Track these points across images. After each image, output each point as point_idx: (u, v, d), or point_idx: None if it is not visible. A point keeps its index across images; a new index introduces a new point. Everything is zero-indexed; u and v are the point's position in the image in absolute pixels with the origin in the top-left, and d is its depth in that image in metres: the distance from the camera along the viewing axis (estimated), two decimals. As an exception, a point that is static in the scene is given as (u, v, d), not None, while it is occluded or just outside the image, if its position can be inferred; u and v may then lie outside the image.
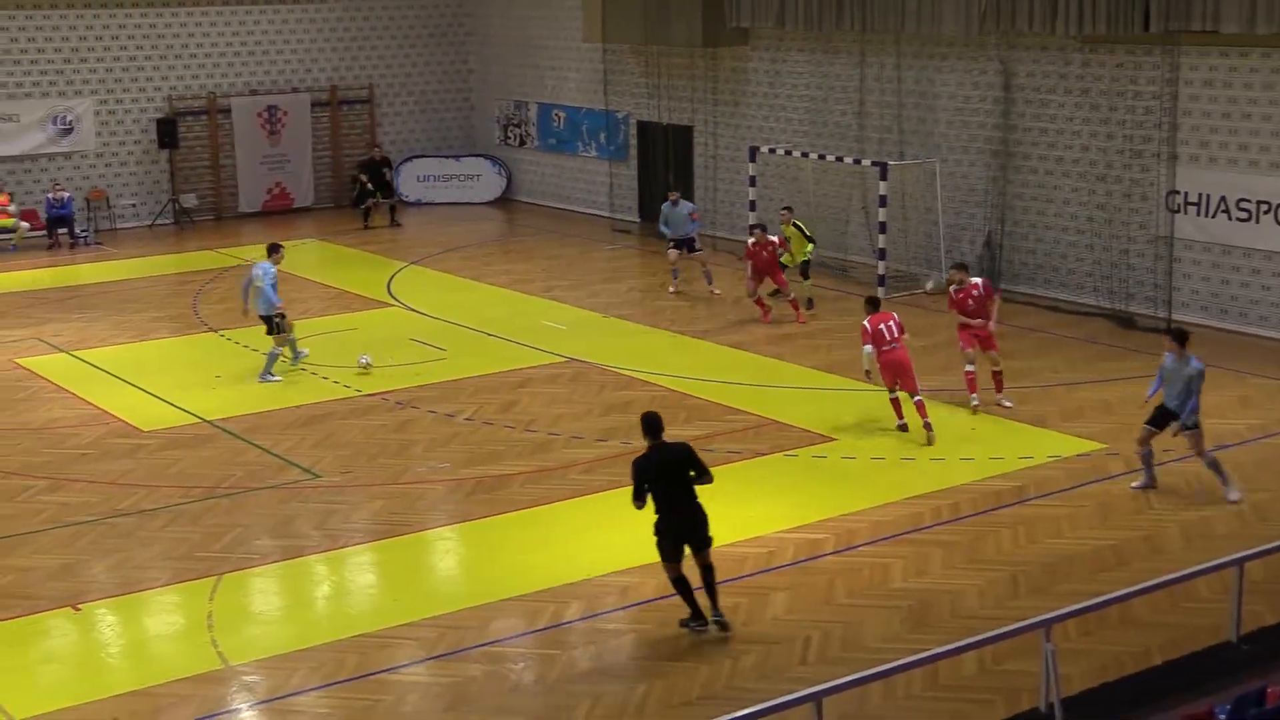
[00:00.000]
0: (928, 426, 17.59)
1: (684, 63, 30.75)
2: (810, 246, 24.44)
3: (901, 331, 17.91)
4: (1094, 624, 12.41)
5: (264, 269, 20.65)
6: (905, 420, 17.96)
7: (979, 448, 17.35)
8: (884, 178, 24.98)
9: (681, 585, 12.66)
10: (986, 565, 14.05)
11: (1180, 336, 15.51)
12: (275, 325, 20.63)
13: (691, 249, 25.70)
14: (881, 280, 24.85)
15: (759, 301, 23.62)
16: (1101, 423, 18.15)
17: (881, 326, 17.91)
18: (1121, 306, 23.38)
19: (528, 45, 35.10)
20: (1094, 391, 19.50)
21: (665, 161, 31.38)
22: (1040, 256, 24.87)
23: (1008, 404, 18.79)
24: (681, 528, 12.54)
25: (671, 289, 25.74)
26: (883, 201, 25.10)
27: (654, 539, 12.61)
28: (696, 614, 12.70)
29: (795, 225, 24.68)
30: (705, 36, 29.23)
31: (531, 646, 12.60)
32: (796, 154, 27.40)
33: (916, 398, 17.72)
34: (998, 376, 18.87)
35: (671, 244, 25.70)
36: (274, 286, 20.45)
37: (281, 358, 20.84)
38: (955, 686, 11.66)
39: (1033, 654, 10.91)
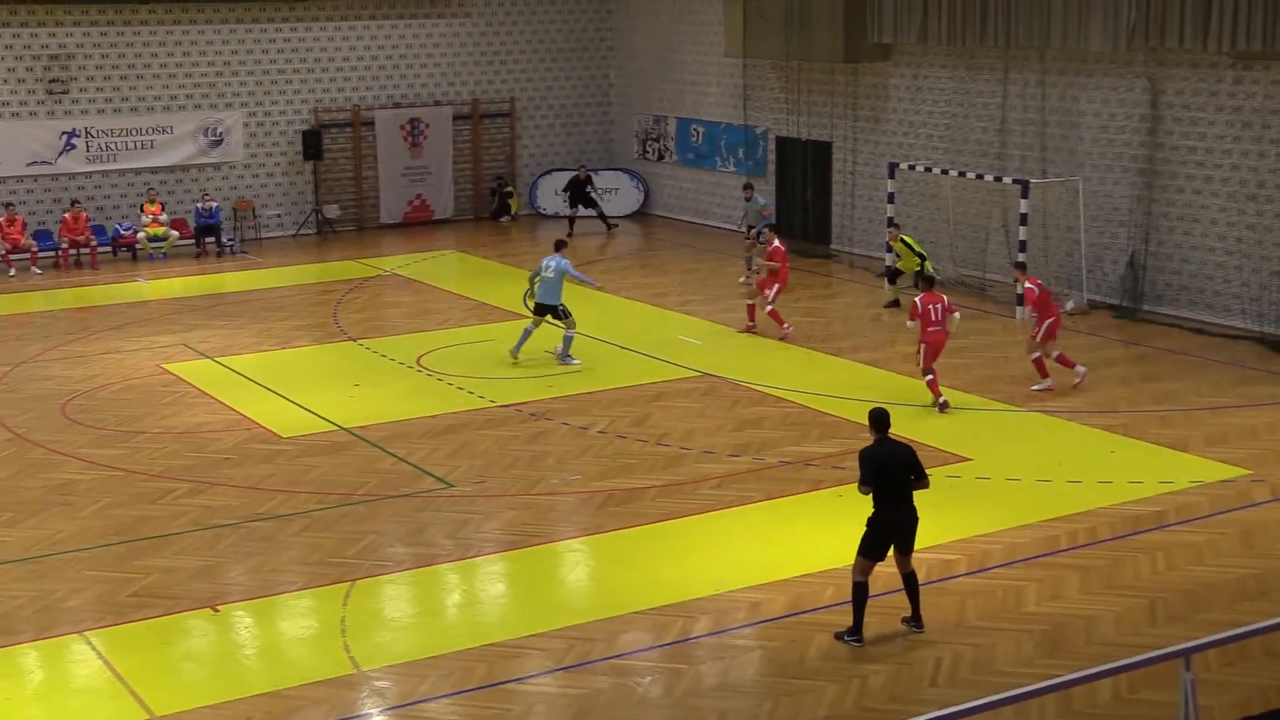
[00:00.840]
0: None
1: (824, 78, 30.62)
2: (920, 261, 24.65)
3: (949, 312, 19.47)
4: (1236, 655, 12.10)
5: (557, 262, 21.90)
6: (946, 399, 19.32)
7: (1118, 471, 17.02)
8: (1025, 195, 24.64)
9: (861, 593, 12.66)
10: (1124, 591, 13.77)
11: None
12: (562, 312, 21.76)
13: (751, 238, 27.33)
14: (1020, 300, 24.52)
15: (773, 314, 23.70)
16: (1247, 448, 17.71)
17: (930, 306, 19.29)
18: (1271, 330, 22.80)
19: (668, 60, 35.21)
20: (1240, 416, 19.03)
21: (804, 177, 31.28)
22: (1186, 277, 24.34)
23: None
24: (898, 527, 12.66)
25: (743, 279, 26.62)
26: (1023, 220, 24.75)
27: (863, 530, 12.70)
28: (857, 629, 12.64)
29: (903, 240, 24.92)
30: (846, 52, 29.09)
31: (659, 660, 12.60)
32: (936, 171, 27.15)
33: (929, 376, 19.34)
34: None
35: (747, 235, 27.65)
36: (562, 280, 21.92)
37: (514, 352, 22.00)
38: (1089, 715, 11.43)
39: (1170, 684, 10.65)
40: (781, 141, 32.07)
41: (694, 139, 34.66)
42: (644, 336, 23.64)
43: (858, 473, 12.80)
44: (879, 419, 12.96)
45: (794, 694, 11.90)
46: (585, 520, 15.96)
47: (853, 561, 12.80)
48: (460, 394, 20.59)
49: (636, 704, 11.87)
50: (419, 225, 34.78)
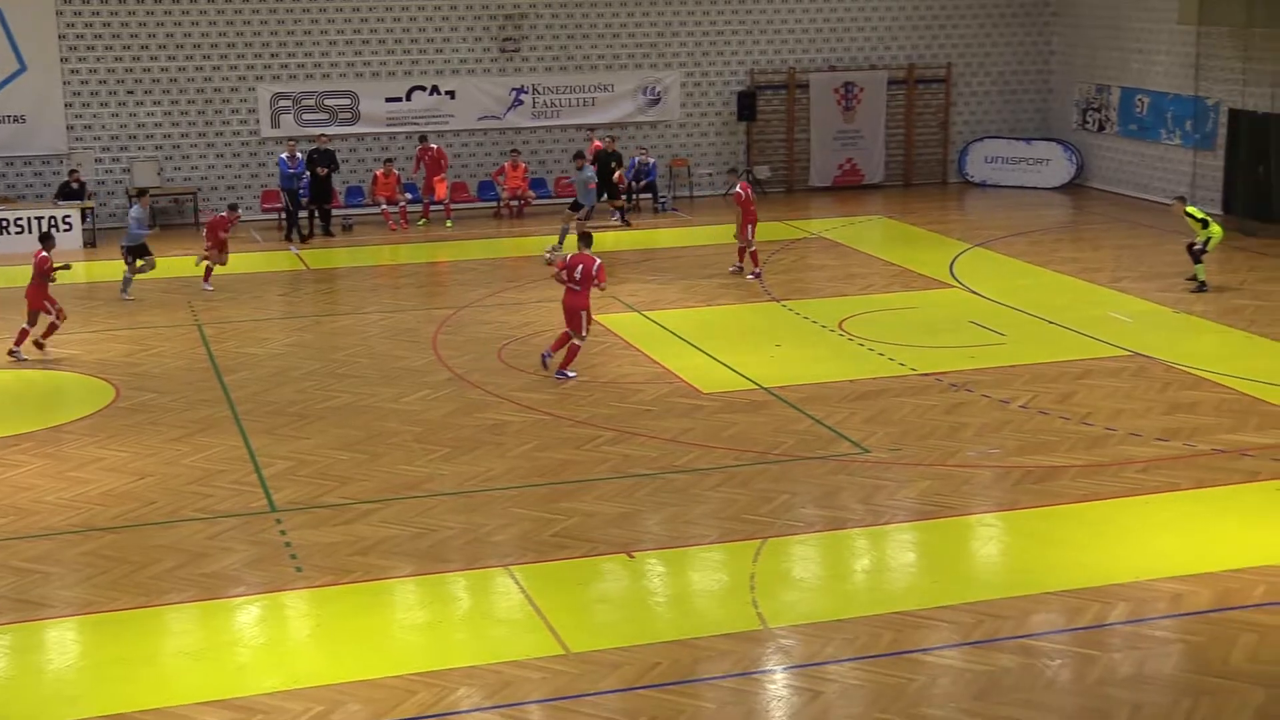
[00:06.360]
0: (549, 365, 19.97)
1: (1286, 48, 28.99)
2: (1206, 230, 23.98)
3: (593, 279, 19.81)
4: None
5: None
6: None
7: None
8: None
9: None
10: None
11: None
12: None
13: (576, 208, 28.07)
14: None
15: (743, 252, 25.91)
16: None
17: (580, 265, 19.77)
18: None
19: (1115, 26, 33.84)
20: None
21: (1260, 153, 29.48)
22: None
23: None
24: None
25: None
26: None
27: None
28: None
29: (1188, 212, 24.40)
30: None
31: (1070, 644, 12.22)
32: None
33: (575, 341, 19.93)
34: None
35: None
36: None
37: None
38: None
39: None
40: (1234, 114, 30.34)
41: (1138, 110, 33.21)
42: (1072, 312, 22.91)
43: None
44: None
45: (1216, 694, 11.33)
46: (1000, 495, 15.62)
47: None
48: (880, 360, 20.48)
49: (1043, 686, 11.55)
50: (849, 189, 34.74)
